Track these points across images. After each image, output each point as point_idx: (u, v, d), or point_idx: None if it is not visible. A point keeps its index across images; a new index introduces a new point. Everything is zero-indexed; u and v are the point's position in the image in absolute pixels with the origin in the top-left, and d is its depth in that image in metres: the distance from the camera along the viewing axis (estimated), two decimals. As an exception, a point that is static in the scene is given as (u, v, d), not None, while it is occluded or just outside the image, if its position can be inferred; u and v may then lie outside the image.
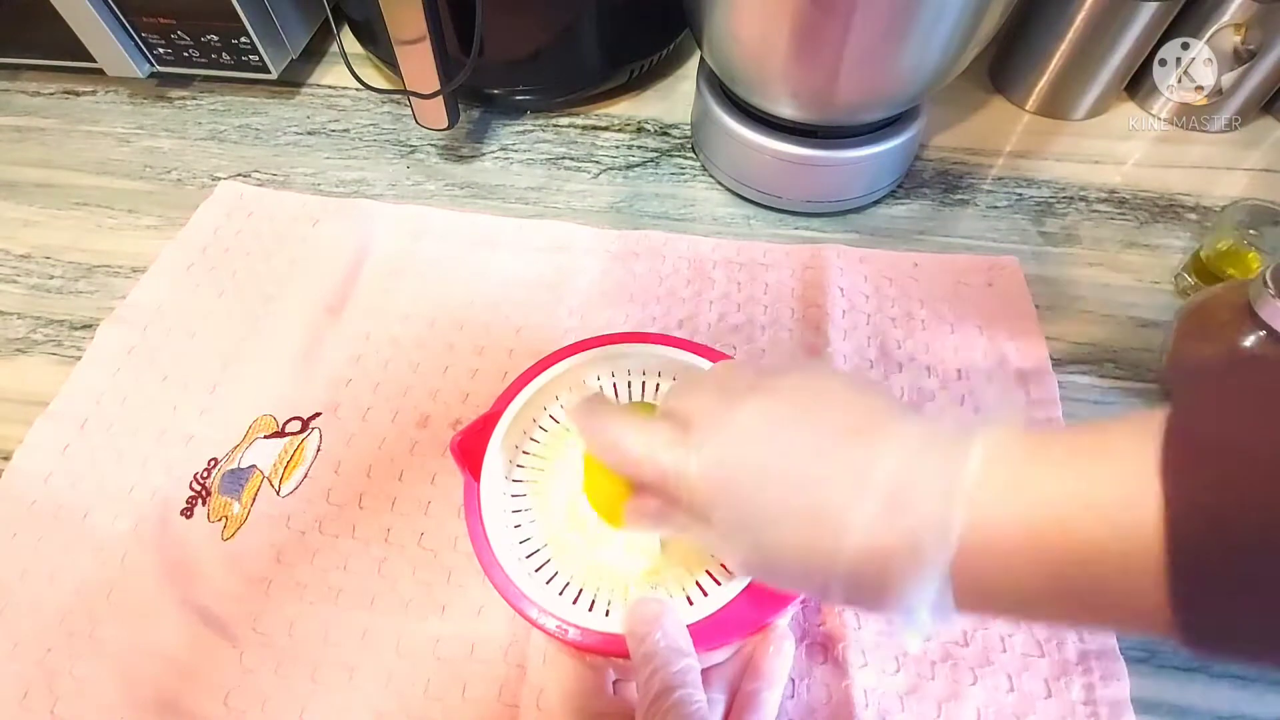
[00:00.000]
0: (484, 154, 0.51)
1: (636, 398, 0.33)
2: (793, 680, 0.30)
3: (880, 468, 0.18)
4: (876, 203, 0.48)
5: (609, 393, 0.33)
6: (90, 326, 0.41)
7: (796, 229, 0.47)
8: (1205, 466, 0.14)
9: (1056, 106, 0.53)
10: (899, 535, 0.18)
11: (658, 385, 0.33)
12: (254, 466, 0.36)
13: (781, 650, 0.27)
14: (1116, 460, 0.16)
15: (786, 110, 0.42)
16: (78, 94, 0.55)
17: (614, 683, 0.27)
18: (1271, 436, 0.14)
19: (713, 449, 0.21)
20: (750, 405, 0.21)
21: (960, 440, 0.18)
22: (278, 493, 0.35)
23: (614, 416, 0.23)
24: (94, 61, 0.51)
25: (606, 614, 0.26)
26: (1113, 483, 0.15)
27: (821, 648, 0.31)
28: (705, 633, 0.25)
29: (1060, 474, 0.16)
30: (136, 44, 0.50)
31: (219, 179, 0.49)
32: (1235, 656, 0.16)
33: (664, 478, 0.22)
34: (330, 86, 0.56)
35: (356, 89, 0.55)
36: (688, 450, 0.21)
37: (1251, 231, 0.40)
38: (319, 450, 0.36)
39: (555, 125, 0.53)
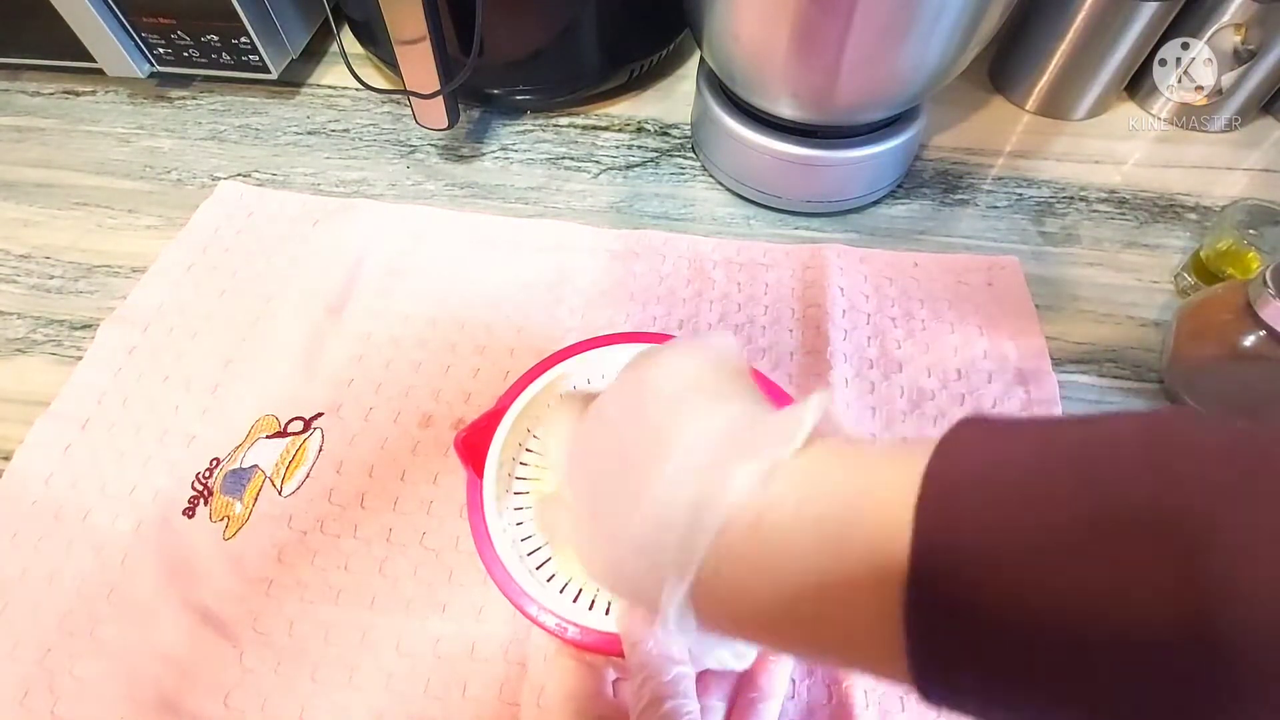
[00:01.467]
0: (484, 154, 0.51)
1: None
2: (793, 680, 0.30)
3: (669, 469, 0.18)
4: (876, 203, 0.48)
5: None
6: (90, 326, 0.41)
7: (796, 229, 0.47)
8: (954, 501, 0.14)
9: (1056, 106, 0.53)
10: (660, 540, 0.18)
11: None
12: (256, 466, 0.36)
13: (781, 657, 0.26)
14: (872, 500, 0.15)
15: (786, 110, 0.42)
16: (78, 94, 0.55)
17: (615, 681, 0.27)
18: (1022, 462, 0.14)
19: (583, 423, 0.22)
20: (621, 379, 0.22)
21: (740, 456, 0.17)
22: (279, 493, 0.35)
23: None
24: (94, 61, 0.51)
25: (606, 613, 0.26)
26: (866, 522, 0.15)
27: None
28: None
29: (817, 506, 0.16)
30: (136, 44, 0.50)
31: (219, 179, 0.49)
32: (963, 704, 0.14)
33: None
34: (330, 86, 0.56)
35: (356, 89, 0.55)
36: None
37: (1251, 231, 0.40)
38: (321, 450, 0.36)
39: (555, 125, 0.53)
